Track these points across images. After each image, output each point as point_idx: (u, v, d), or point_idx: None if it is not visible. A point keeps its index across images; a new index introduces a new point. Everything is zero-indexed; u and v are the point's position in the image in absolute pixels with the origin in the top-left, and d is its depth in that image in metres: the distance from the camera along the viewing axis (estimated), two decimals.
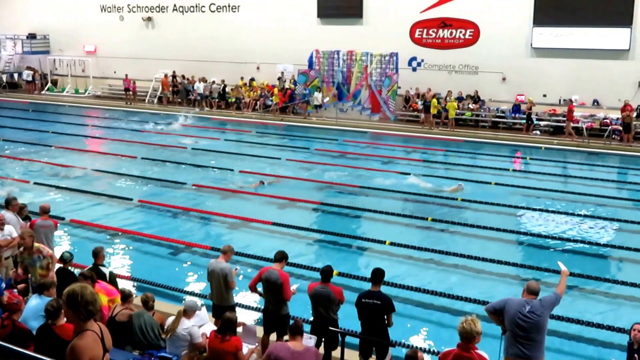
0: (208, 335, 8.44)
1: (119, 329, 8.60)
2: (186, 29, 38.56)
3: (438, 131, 29.80)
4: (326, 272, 8.89)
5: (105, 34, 41.59)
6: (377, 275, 8.61)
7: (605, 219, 17.13)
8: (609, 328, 10.67)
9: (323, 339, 8.80)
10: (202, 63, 37.34)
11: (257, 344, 9.02)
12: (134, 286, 12.21)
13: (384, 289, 8.81)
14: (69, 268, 10.19)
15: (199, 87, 35.90)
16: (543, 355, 7.60)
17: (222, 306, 9.52)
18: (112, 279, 10.06)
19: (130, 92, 38.40)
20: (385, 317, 8.46)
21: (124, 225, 16.22)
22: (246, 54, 36.47)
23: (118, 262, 13.90)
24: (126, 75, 38.28)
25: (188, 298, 11.01)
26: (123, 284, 11.39)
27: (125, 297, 9.13)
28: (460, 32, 31.71)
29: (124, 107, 37.56)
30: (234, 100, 35.69)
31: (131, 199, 18.47)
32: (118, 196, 18.73)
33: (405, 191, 19.46)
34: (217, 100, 35.81)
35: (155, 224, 16.54)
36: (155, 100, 38.70)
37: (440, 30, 32.12)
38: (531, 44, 30.08)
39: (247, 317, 10.69)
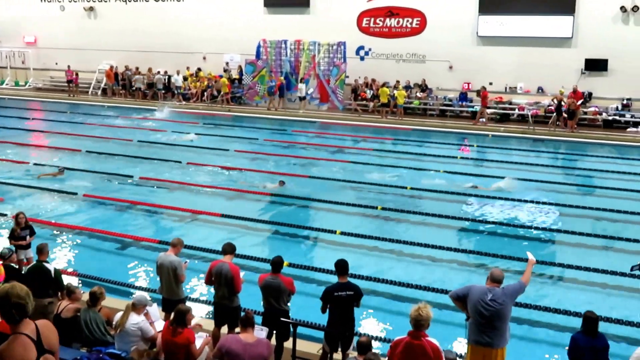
0: (158, 331, 8.33)
1: (65, 326, 8.37)
2: (130, 18, 37.87)
3: (386, 120, 29.96)
4: (276, 263, 8.80)
5: (45, 25, 40.57)
6: (343, 267, 8.57)
7: (552, 204, 17.46)
8: (556, 311, 10.84)
9: (275, 330, 8.72)
10: (147, 53, 36.72)
11: (207, 335, 8.88)
12: (80, 282, 11.91)
13: (333, 277, 8.77)
14: (11, 264, 9.89)
15: (177, 79, 35.19)
16: (506, 342, 7.62)
17: (172, 300, 9.37)
18: (57, 276, 9.75)
19: (73, 84, 37.47)
20: (355, 303, 8.48)
21: (68, 220, 15.79)
22: (192, 43, 36.03)
23: (63, 258, 13.54)
24: (68, 66, 37.33)
25: (137, 293, 10.77)
26: (69, 280, 11.08)
27: (69, 292, 8.90)
28: (407, 21, 31.91)
29: (66, 100, 36.73)
30: (181, 91, 35.23)
31: (76, 194, 18.01)
32: (62, 190, 18.25)
33: (355, 180, 19.49)
34: (162, 91, 35.26)
35: (101, 219, 16.14)
36: (99, 92, 37.91)
37: (388, 19, 32.27)
38: (477, 33, 30.46)
39: (197, 310, 10.52)
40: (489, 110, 29.62)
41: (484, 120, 29.10)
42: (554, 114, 27.97)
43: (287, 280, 8.77)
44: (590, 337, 7.38)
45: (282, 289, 8.65)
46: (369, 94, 32.03)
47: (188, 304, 9.85)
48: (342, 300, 8.38)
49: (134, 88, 36.33)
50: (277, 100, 32.70)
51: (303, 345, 8.82)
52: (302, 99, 32.19)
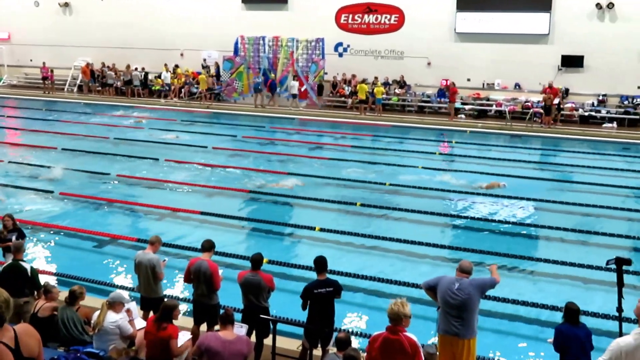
0: (137, 328, 8.27)
1: (42, 325, 8.27)
2: (106, 14, 37.47)
3: (365, 116, 29.99)
4: (256, 260, 8.77)
5: (19, 20, 40.01)
6: (322, 263, 8.59)
7: (528, 199, 17.57)
8: (533, 305, 10.93)
9: (254, 328, 8.70)
10: (124, 50, 36.40)
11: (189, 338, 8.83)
12: (57, 281, 11.77)
13: (312, 274, 8.78)
14: None
15: (166, 76, 34.88)
16: (474, 334, 7.68)
17: (150, 298, 9.31)
18: (34, 275, 9.64)
19: (48, 81, 37.03)
20: (336, 295, 8.52)
21: (45, 219, 15.61)
22: (169, 40, 35.76)
23: (40, 256, 13.39)
24: (44, 63, 36.84)
25: (115, 291, 10.67)
26: (46, 279, 10.95)
27: (46, 291, 8.81)
28: (386, 17, 31.97)
29: (42, 97, 36.29)
30: (158, 88, 34.99)
31: (52, 192, 17.82)
32: (38, 189, 18.04)
33: (334, 177, 19.48)
34: (139, 88, 35.00)
35: (78, 217, 15.97)
36: (75, 89, 37.53)
37: (366, 16, 32.31)
38: (455, 29, 30.59)
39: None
40: (466, 107, 29.82)
41: (462, 116, 29.30)
42: (530, 110, 28.25)
43: (267, 277, 8.74)
44: (573, 327, 7.48)
45: (262, 286, 8.63)
46: (347, 90, 32.06)
47: None
48: (322, 297, 8.38)
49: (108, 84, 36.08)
50: (271, 97, 32.57)
51: (283, 342, 8.83)
52: (294, 96, 32.04)
